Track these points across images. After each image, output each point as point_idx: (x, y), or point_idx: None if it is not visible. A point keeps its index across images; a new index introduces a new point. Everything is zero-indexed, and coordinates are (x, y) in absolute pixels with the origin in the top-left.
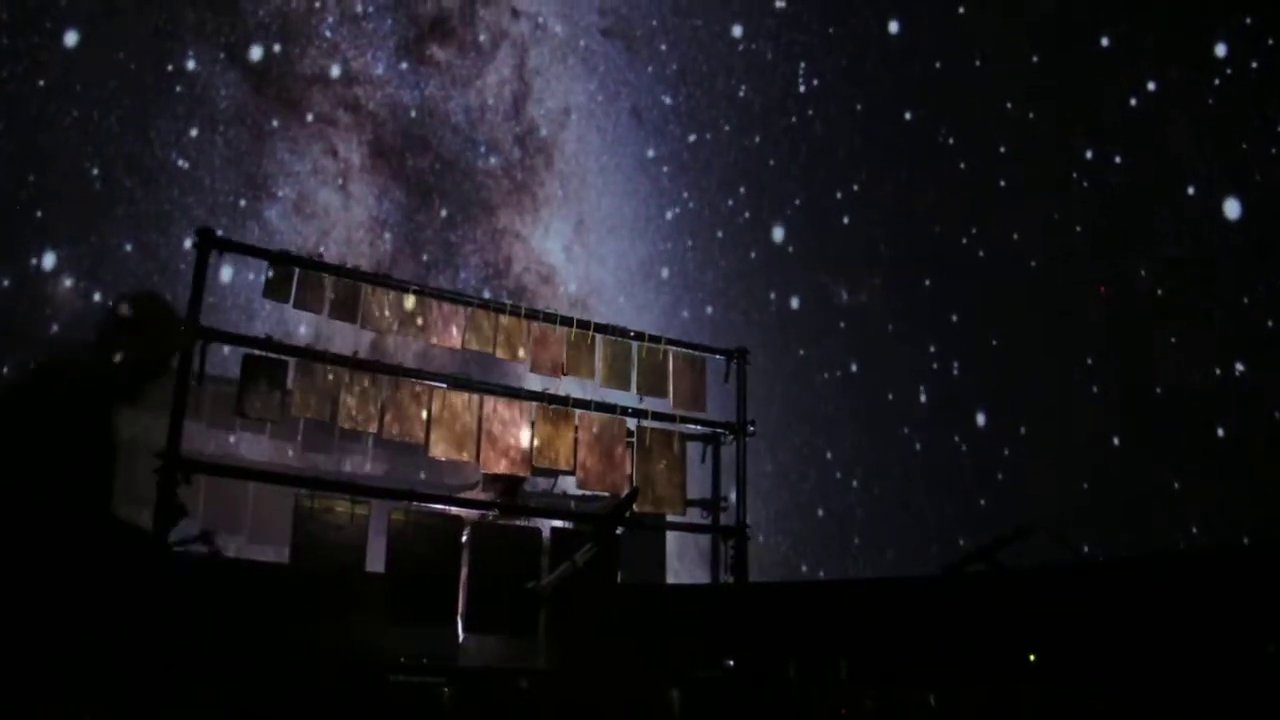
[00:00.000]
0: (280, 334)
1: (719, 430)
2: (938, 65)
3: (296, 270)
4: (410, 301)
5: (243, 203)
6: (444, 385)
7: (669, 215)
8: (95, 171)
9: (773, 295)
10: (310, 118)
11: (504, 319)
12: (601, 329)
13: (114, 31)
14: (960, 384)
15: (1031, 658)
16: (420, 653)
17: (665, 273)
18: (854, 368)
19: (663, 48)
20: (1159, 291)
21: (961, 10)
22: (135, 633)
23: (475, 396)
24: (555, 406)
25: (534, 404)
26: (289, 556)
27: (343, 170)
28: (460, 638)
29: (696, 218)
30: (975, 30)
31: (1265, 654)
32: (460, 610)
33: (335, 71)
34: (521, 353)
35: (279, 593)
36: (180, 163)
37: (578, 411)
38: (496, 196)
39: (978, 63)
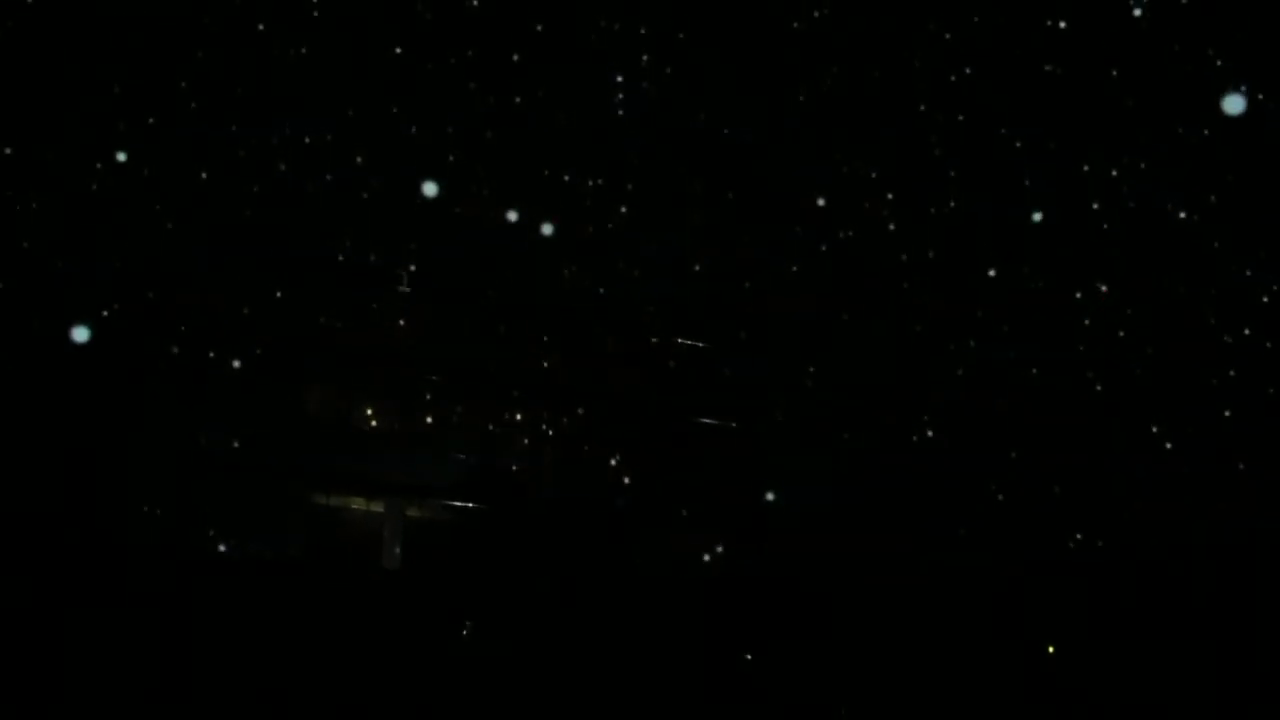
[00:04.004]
0: None
1: None
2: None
3: None
4: None
5: None
6: None
7: None
8: None
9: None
10: None
11: None
12: None
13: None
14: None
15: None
16: (442, 647)
17: None
18: None
19: None
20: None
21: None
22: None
23: None
24: None
25: None
26: (304, 554)
27: None
28: (479, 631)
29: None
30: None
31: None
32: (482, 604)
33: None
34: None
35: (293, 592)
36: None
37: None
38: None
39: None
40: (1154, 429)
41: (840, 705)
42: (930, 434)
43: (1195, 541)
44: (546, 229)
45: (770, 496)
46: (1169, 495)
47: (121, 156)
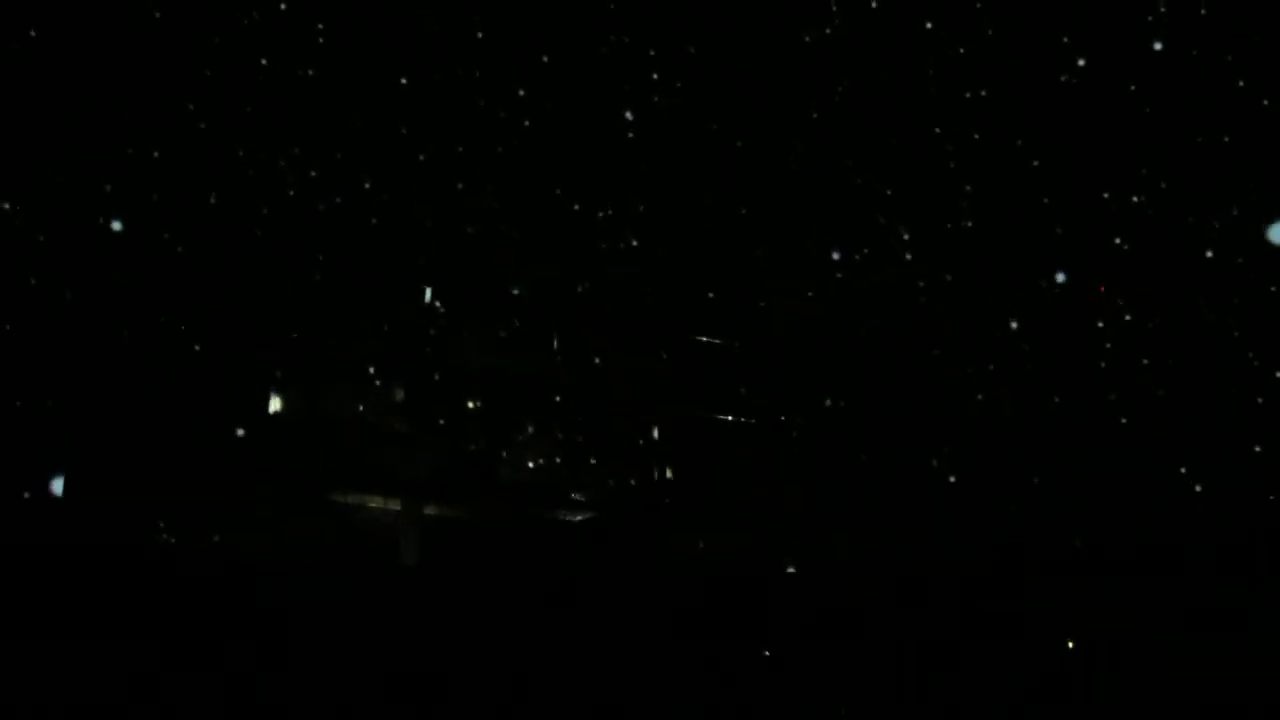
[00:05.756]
0: None
1: None
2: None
3: None
4: None
5: None
6: None
7: None
8: None
9: None
10: None
11: None
12: None
13: None
14: None
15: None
16: (457, 653)
17: None
18: None
19: None
20: None
21: None
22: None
23: None
24: None
25: None
26: (320, 552)
27: None
28: (495, 634)
29: None
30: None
31: None
32: (497, 606)
33: None
34: None
35: (310, 589)
36: None
37: None
38: None
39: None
40: (1170, 442)
41: (840, 705)
42: (942, 442)
43: (1197, 547)
44: (559, 241)
45: (786, 495)
46: (1176, 505)
47: (117, 225)
